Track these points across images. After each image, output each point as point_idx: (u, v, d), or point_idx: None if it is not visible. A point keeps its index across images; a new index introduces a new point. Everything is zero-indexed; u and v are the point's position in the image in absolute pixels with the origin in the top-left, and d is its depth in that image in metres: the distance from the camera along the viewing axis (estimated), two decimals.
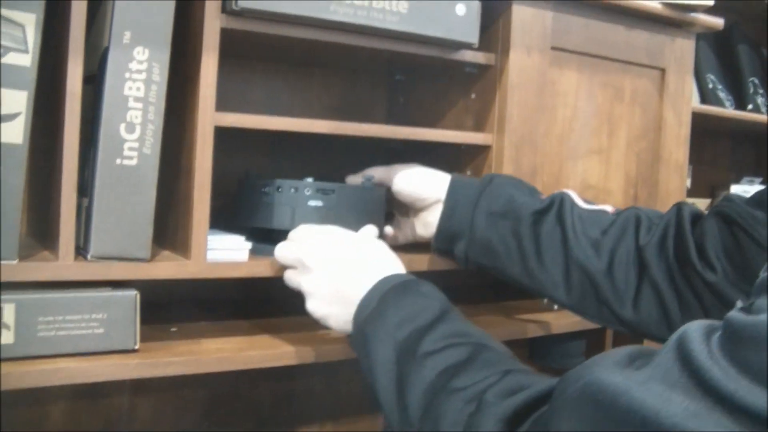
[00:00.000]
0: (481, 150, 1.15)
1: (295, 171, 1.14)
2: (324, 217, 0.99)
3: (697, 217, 0.88)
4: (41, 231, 0.96)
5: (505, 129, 1.13)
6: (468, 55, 1.10)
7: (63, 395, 1.10)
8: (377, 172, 1.07)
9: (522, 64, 1.13)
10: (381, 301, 0.79)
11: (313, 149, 1.25)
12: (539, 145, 1.17)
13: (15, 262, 0.82)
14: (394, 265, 0.87)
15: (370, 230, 0.96)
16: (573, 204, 0.93)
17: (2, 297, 0.81)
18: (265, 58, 1.23)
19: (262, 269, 0.95)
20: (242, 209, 1.03)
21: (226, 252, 0.93)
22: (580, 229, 0.90)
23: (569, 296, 0.92)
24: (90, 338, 0.86)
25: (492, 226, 0.95)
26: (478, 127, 1.16)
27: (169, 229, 0.96)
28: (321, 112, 1.30)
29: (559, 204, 0.93)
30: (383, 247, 0.90)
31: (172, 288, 1.11)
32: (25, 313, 0.82)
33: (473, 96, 1.17)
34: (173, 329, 0.98)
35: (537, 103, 1.15)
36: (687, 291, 0.86)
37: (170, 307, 1.11)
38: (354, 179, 1.09)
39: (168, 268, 0.90)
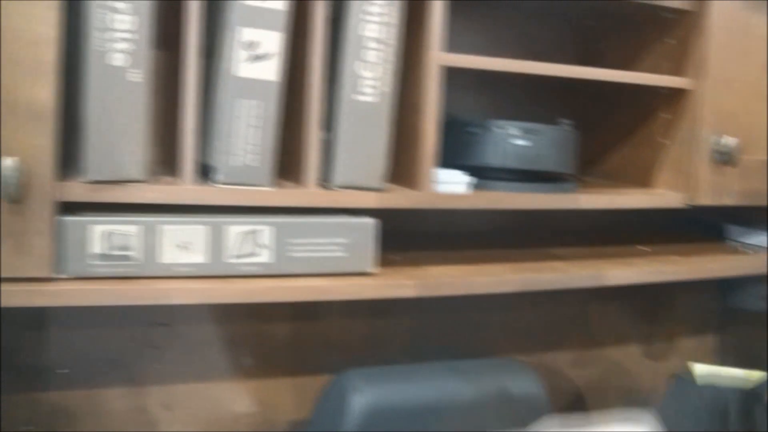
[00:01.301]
0: (680, 94, 1.17)
1: (485, 111, 1.19)
2: (526, 155, 1.04)
3: None
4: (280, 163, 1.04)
5: (706, 73, 1.14)
6: (670, 2, 1.13)
7: (285, 316, 1.20)
8: None
9: (723, 8, 1.14)
10: None
11: (503, 90, 1.29)
12: (738, 90, 1.17)
13: (271, 189, 0.91)
14: None
15: None
16: None
17: (261, 221, 0.90)
18: None
19: (483, 201, 1.00)
20: (448, 148, 1.09)
21: (449, 185, 1.00)
22: None
23: None
24: (333, 260, 0.94)
25: None
26: (676, 71, 1.18)
27: (396, 162, 1.03)
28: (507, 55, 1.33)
29: None
30: None
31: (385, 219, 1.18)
32: (282, 234, 0.91)
33: (671, 41, 1.19)
34: (396, 257, 1.05)
35: (737, 47, 1.16)
36: None
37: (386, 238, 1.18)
38: None
39: (399, 198, 0.97)
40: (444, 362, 1.16)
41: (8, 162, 0.78)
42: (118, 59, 0.82)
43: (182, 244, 0.88)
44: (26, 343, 1.06)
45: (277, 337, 1.20)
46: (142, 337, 1.12)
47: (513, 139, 1.06)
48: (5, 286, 0.81)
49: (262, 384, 1.20)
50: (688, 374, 1.17)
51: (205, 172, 0.91)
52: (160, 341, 1.13)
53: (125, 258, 0.86)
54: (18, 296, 0.82)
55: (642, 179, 1.24)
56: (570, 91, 1.30)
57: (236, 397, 1.19)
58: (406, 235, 1.19)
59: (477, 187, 1.03)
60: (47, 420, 1.08)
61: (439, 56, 0.96)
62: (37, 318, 1.07)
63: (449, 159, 1.09)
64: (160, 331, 1.13)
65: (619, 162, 1.31)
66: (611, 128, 1.32)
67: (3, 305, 0.81)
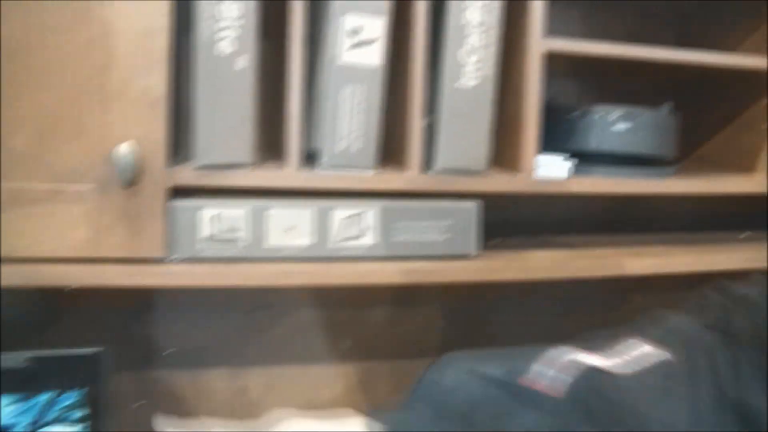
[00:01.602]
0: None
1: (581, 95, 1.18)
2: (627, 140, 1.02)
3: None
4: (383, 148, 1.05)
5: None
6: None
7: (384, 300, 1.21)
8: None
9: None
10: None
11: (601, 74, 1.27)
12: None
13: (372, 173, 0.92)
14: None
15: None
16: (612, 378, 0.60)
17: (366, 204, 0.91)
18: None
19: (586, 186, 0.99)
20: (547, 133, 1.08)
21: (550, 170, 0.99)
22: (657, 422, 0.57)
23: None
24: (435, 243, 0.94)
25: None
26: None
27: (498, 147, 1.02)
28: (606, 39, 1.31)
29: (594, 391, 0.60)
30: None
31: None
32: (386, 217, 0.92)
33: None
34: (496, 241, 1.04)
35: None
36: None
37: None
38: None
39: (500, 182, 0.96)
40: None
41: (125, 148, 0.81)
42: (225, 47, 0.84)
43: (288, 227, 0.89)
44: (136, 323, 1.10)
45: (375, 321, 1.21)
46: (246, 320, 1.15)
47: (614, 124, 1.04)
48: (121, 267, 0.84)
49: (360, 367, 1.21)
50: None
51: (309, 158, 0.92)
52: (263, 324, 1.15)
53: (233, 241, 0.88)
54: (133, 277, 0.85)
55: (744, 165, 1.20)
56: (669, 74, 1.27)
57: (335, 379, 1.20)
58: (503, 221, 1.18)
59: (577, 172, 1.01)
60: (154, 398, 1.12)
61: (541, 42, 0.95)
62: (148, 299, 1.10)
63: (548, 144, 1.07)
64: (262, 314, 1.15)
65: (721, 147, 1.27)
66: (712, 112, 1.27)
67: (118, 285, 0.85)
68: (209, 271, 0.87)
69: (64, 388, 0.93)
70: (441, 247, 0.94)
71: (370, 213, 0.91)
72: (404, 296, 1.21)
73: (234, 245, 0.88)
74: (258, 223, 0.88)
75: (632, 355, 0.60)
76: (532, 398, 0.61)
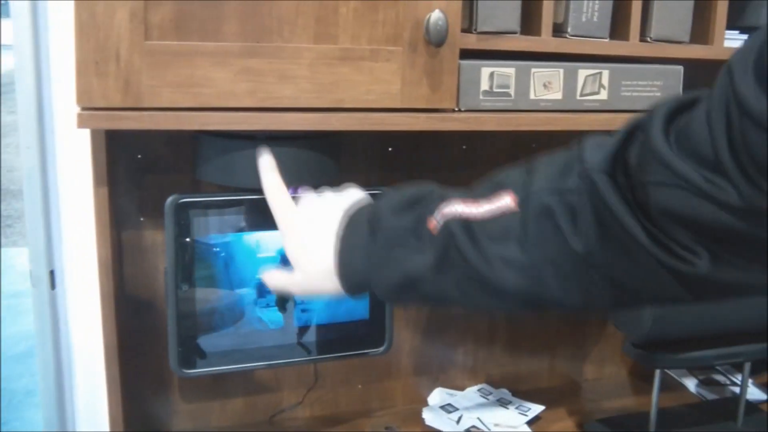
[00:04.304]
0: None
1: None
2: None
3: (612, 164, 0.60)
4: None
5: None
6: None
7: None
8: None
9: None
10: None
11: None
12: None
13: (607, 40, 1.14)
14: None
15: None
16: (468, 226, 0.66)
17: (602, 66, 1.13)
18: None
19: None
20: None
21: (733, 41, 1.22)
22: (498, 257, 0.64)
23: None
24: (650, 99, 1.17)
25: (399, 300, 0.79)
26: None
27: (697, 23, 1.24)
28: None
29: (453, 242, 0.67)
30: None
31: None
32: (615, 77, 1.14)
33: None
34: None
35: None
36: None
37: None
38: None
39: (699, 50, 1.19)
40: None
41: (438, 14, 1.01)
42: None
43: (546, 84, 1.11)
44: None
45: None
46: None
47: None
48: (425, 115, 1.05)
49: None
50: None
51: (557, 29, 1.14)
52: None
53: (505, 95, 1.09)
54: (435, 122, 1.06)
55: None
56: None
57: None
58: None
59: None
60: None
61: None
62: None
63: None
64: None
65: None
66: None
67: (426, 129, 1.06)
68: (489, 118, 1.09)
69: None
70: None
71: (605, 73, 1.14)
72: None
73: (505, 98, 1.09)
74: (524, 79, 1.10)
75: (495, 205, 0.67)
76: (424, 235, 0.70)
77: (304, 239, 0.79)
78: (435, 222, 0.69)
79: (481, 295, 0.67)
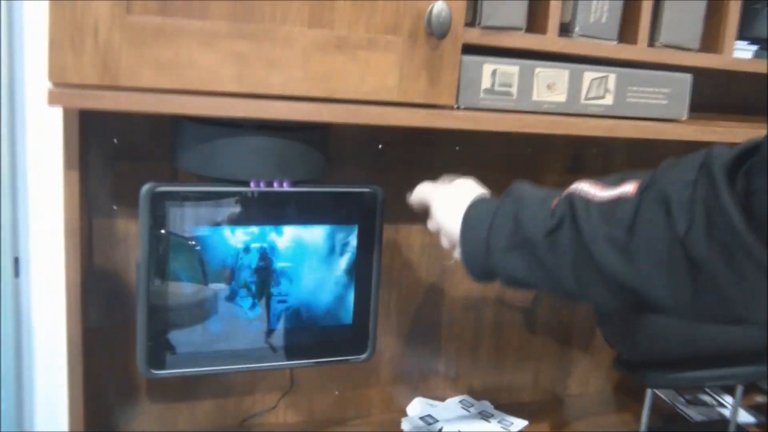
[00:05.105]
0: None
1: None
2: None
3: (734, 167, 0.63)
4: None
5: None
6: None
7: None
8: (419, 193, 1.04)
9: None
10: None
11: None
12: None
13: (615, 42, 1.08)
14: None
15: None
16: (587, 203, 0.74)
17: (609, 69, 1.07)
18: None
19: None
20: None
21: (741, 51, 1.17)
22: (603, 235, 0.70)
23: (622, 305, 0.77)
24: (656, 107, 1.12)
25: (510, 263, 0.82)
26: None
27: (707, 31, 1.19)
28: None
29: (570, 212, 0.75)
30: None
31: None
32: (621, 82, 1.09)
33: None
34: (697, 112, 1.22)
35: None
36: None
37: None
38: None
39: (707, 59, 1.14)
40: None
41: (441, 3, 0.95)
42: None
43: (550, 84, 1.05)
44: None
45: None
46: None
47: None
48: (423, 111, 0.99)
49: None
50: None
51: (564, 28, 1.08)
52: None
53: (507, 94, 1.04)
54: (432, 119, 1.00)
55: None
56: None
57: None
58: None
59: (757, 56, 1.20)
60: None
61: None
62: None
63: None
64: None
65: None
66: None
67: (422, 126, 1.00)
68: (489, 117, 1.03)
69: (338, 223, 1.08)
70: (660, 110, 1.12)
71: (612, 77, 1.08)
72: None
73: (506, 97, 1.04)
74: (527, 79, 1.04)
75: (617, 191, 0.73)
76: (547, 206, 0.79)
77: (447, 190, 0.97)
78: (558, 199, 0.78)
79: (585, 272, 0.73)
